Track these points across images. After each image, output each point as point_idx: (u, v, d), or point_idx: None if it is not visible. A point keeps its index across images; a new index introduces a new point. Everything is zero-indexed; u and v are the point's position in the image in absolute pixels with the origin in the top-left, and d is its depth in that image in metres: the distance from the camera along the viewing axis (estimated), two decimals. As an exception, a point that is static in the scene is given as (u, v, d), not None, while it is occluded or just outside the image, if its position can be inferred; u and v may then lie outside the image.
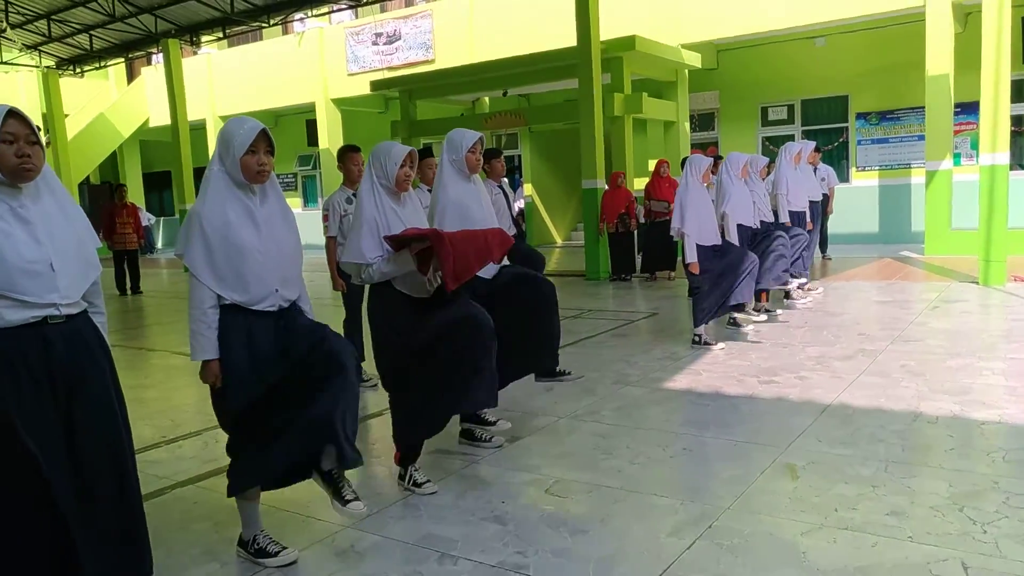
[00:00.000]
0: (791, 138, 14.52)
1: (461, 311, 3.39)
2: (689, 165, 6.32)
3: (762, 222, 7.32)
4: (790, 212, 8.03)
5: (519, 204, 13.00)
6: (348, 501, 2.75)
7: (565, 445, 4.09)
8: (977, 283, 8.56)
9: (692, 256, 6.09)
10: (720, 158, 8.79)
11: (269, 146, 2.81)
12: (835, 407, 4.42)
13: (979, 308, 7.26)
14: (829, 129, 14.29)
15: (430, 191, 6.25)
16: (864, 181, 13.92)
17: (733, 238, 6.74)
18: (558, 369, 4.19)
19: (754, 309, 7.36)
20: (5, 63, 19.22)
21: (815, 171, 12.00)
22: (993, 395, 4.46)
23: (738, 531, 2.94)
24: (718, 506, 3.16)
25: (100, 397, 2.40)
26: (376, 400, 5.12)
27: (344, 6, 15.81)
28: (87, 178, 22.43)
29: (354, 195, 5.69)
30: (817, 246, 12.08)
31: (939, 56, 11.26)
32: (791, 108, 14.61)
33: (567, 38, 11.28)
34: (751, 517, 3.05)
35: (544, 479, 3.58)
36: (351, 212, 5.19)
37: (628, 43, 11.65)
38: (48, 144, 20.48)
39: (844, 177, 14.00)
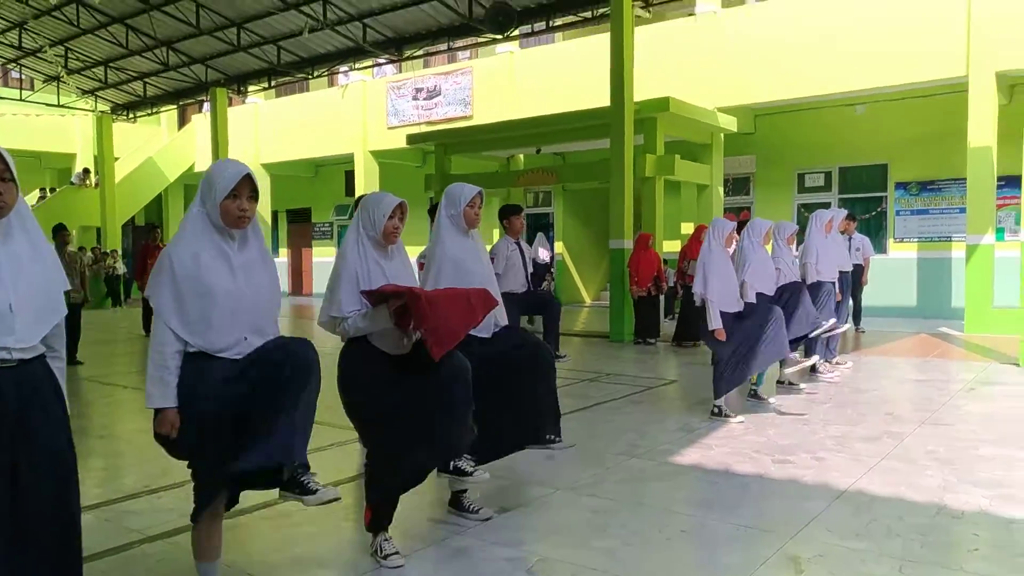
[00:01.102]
0: (827, 205, 14.24)
1: (437, 365, 3.23)
2: (712, 229, 6.16)
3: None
4: (819, 283, 7.78)
5: (543, 255, 12.93)
6: (315, 491, 2.69)
7: (558, 519, 3.86)
8: (1018, 364, 8.14)
9: (716, 322, 5.87)
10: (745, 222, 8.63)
11: (252, 191, 2.74)
12: (851, 493, 4.12)
13: (1019, 392, 6.86)
14: (867, 198, 14.02)
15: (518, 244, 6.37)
16: (902, 253, 13.55)
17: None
18: (548, 436, 3.97)
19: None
20: (62, 106, 19.98)
21: (850, 240, 11.79)
22: (1026, 489, 4.13)
23: (728, 631, 2.68)
24: (709, 600, 2.91)
25: (47, 445, 2.29)
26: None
27: (385, 61, 16.18)
28: (132, 219, 23.03)
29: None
30: (849, 318, 11.80)
31: (982, 128, 11.01)
32: (828, 175, 14.39)
33: (604, 98, 11.29)
34: (744, 615, 2.79)
35: (527, 556, 3.36)
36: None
37: (662, 104, 11.63)
38: (96, 185, 21.15)
39: (881, 248, 13.67)
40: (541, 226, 18.69)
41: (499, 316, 3.91)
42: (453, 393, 3.20)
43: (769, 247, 7.20)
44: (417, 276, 5.25)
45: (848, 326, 11.71)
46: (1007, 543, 3.42)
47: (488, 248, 4.91)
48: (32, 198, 22.11)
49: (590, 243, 17.87)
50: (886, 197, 13.80)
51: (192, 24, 14.90)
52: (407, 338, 3.27)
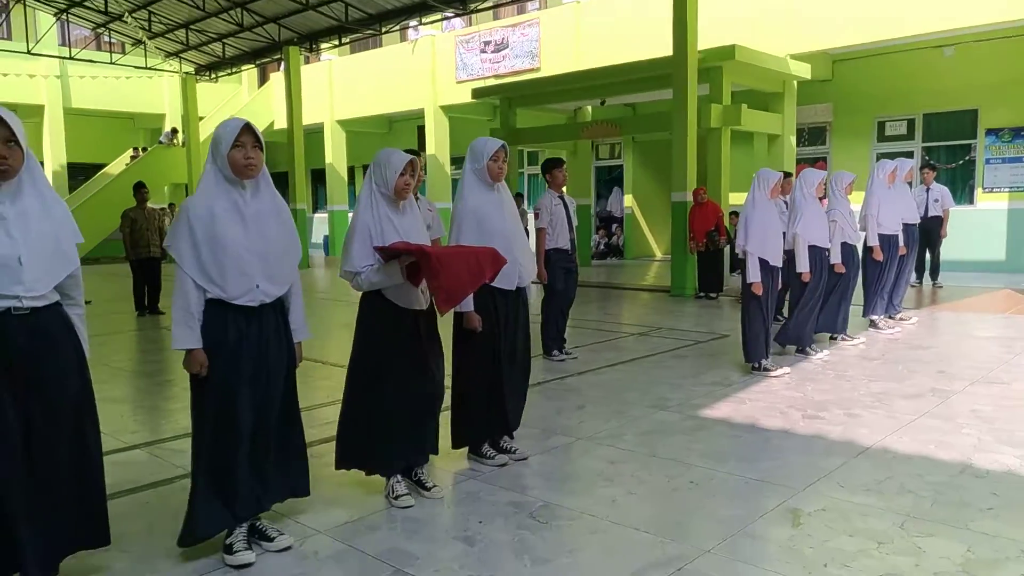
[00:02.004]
0: (910, 155, 13.57)
1: (429, 368, 3.49)
2: (756, 180, 6.01)
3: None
4: (881, 236, 7.49)
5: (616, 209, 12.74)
6: (273, 538, 3.03)
7: (570, 468, 3.97)
8: (1100, 322, 7.67)
9: (755, 275, 5.77)
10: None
11: (256, 141, 2.88)
12: (875, 450, 4.05)
13: (1091, 350, 6.49)
14: (954, 146, 13.24)
15: (561, 197, 6.40)
16: (992, 203, 12.78)
17: (803, 260, 6.35)
18: (506, 446, 4.10)
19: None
20: (149, 68, 20.84)
21: (928, 191, 11.25)
22: (1065, 451, 3.96)
23: (708, 578, 2.74)
24: (699, 548, 2.96)
25: (62, 391, 2.51)
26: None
27: (452, 14, 16.13)
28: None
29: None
30: (917, 273, 11.30)
31: (1079, 68, 10.19)
32: (911, 123, 13.64)
33: (671, 47, 10.95)
34: (728, 564, 2.84)
35: (532, 502, 3.47)
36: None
37: (728, 52, 11.23)
38: (184, 144, 22.07)
39: (969, 199, 12.94)
40: (613, 179, 18.48)
41: (523, 273, 3.98)
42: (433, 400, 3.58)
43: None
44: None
45: (914, 281, 11.27)
46: (1023, 504, 3.32)
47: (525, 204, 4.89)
48: (125, 157, 23.28)
49: (661, 196, 17.53)
50: (975, 145, 12.99)
51: (264, -16, 15.22)
52: (423, 293, 3.42)
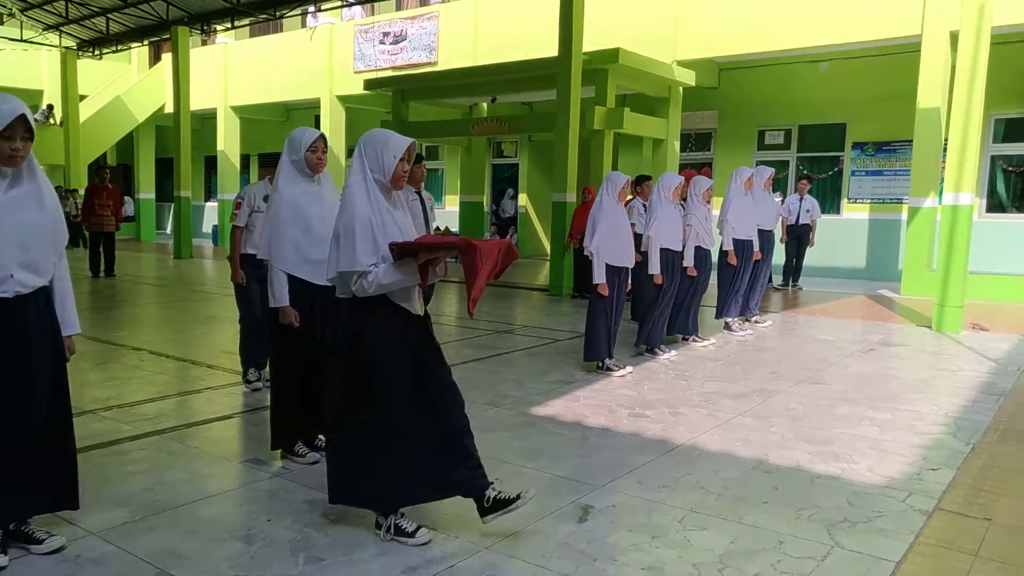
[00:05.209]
0: (786, 164, 14.22)
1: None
2: (605, 183, 6.12)
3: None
4: (735, 241, 7.78)
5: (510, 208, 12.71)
6: (43, 540, 2.88)
7: (383, 465, 3.94)
8: (931, 328, 8.20)
9: (599, 277, 5.88)
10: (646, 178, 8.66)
11: (27, 131, 2.73)
12: (684, 448, 4.20)
13: (913, 354, 6.93)
14: (824, 157, 13.93)
15: (418, 193, 6.08)
16: (855, 214, 13.51)
17: (654, 262, 6.53)
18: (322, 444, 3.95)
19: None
20: (25, 41, 19.62)
21: (801, 201, 11.81)
22: (854, 447, 4.20)
23: (477, 574, 2.76)
24: (480, 545, 2.98)
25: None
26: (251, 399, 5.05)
27: (352, 1, 15.87)
28: (105, 158, 22.82)
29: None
30: (783, 277, 11.89)
31: (931, 89, 10.90)
32: (788, 133, 14.26)
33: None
34: (503, 560, 2.87)
35: (324, 501, 3.43)
36: (263, 208, 4.97)
37: (612, 56, 11.44)
38: (62, 123, 20.90)
39: (835, 208, 13.63)
40: (507, 178, 18.57)
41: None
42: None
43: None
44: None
45: (779, 284, 11.83)
46: (797, 497, 3.49)
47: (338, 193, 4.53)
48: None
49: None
50: (843, 157, 13.70)
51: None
52: (420, 297, 3.10)
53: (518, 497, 3.01)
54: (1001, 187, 12.41)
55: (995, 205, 12.43)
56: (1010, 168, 12.28)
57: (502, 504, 3.01)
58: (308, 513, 3.28)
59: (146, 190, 22.91)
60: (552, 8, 11.38)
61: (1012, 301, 10.27)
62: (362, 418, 3.02)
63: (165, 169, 24.77)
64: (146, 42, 19.84)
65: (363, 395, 3.01)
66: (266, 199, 5.05)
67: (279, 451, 3.96)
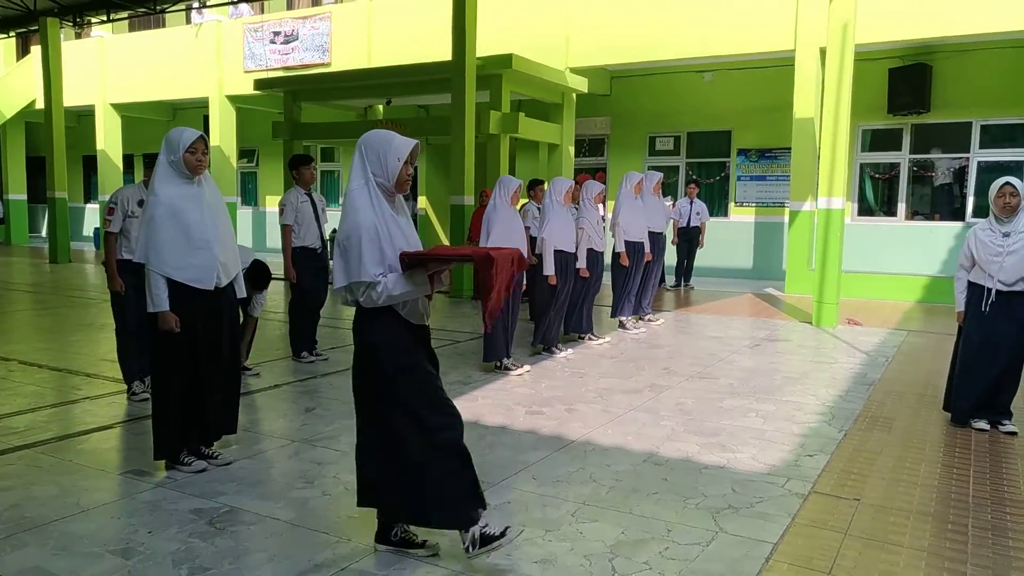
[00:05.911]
0: (676, 169, 14.72)
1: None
2: (498, 186, 6.18)
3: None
4: (627, 243, 7.99)
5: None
6: None
7: (273, 471, 3.83)
8: (811, 323, 8.68)
9: (494, 280, 5.91)
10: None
11: None
12: (578, 444, 4.27)
13: (794, 348, 7.31)
14: (712, 163, 14.52)
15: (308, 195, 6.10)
16: (742, 217, 14.14)
17: (548, 264, 6.63)
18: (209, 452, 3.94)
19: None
20: None
21: (691, 204, 12.28)
22: (740, 438, 4.39)
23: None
24: (367, 548, 2.94)
25: None
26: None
27: None
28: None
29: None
30: (676, 277, 12.36)
31: (806, 100, 11.55)
32: (678, 140, 14.78)
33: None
34: (394, 560, 2.84)
35: (217, 508, 3.30)
36: (138, 213, 4.80)
37: (505, 61, 11.55)
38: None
39: (723, 211, 14.23)
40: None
41: (225, 272, 3.79)
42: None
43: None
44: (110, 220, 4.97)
45: (672, 284, 12.28)
46: (685, 487, 3.62)
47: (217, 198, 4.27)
48: None
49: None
50: (729, 163, 14.32)
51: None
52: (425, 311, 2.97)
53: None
54: (870, 193, 13.28)
55: (865, 209, 13.29)
56: (877, 175, 13.16)
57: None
58: (193, 523, 3.15)
59: (16, 191, 21.43)
60: (446, 12, 11.39)
61: (883, 298, 11.01)
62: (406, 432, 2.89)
63: (38, 169, 23.28)
64: (12, 33, 18.57)
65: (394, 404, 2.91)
66: (140, 203, 4.85)
67: (163, 461, 3.79)
